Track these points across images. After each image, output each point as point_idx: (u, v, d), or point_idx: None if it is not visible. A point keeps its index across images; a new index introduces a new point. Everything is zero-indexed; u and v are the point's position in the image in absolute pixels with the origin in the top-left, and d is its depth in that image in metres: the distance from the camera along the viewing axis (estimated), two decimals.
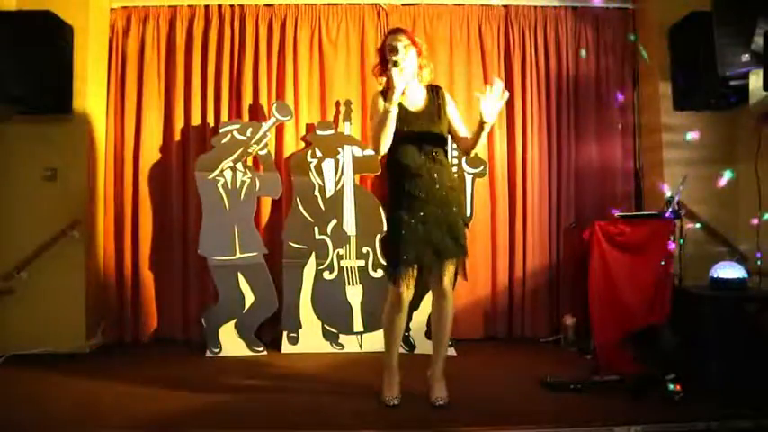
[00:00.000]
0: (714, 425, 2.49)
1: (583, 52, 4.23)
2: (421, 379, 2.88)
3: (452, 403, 2.75)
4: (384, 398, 2.77)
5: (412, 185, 2.67)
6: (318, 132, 3.98)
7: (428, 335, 3.64)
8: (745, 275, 3.21)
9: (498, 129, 4.20)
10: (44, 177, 3.85)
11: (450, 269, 2.72)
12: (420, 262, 2.64)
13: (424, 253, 2.63)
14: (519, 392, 2.97)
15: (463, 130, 2.84)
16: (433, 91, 2.83)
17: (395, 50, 2.68)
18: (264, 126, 3.94)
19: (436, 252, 2.65)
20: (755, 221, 3.51)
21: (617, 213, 3.72)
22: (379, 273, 3.83)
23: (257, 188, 3.95)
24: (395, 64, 2.60)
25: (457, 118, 2.85)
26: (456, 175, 2.91)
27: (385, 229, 2.91)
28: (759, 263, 3.41)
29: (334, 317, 3.86)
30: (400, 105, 2.66)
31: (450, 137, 2.87)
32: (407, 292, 2.69)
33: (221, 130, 3.93)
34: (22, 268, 3.74)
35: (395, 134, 2.65)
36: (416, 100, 2.79)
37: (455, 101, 3.99)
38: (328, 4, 4.23)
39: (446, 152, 2.85)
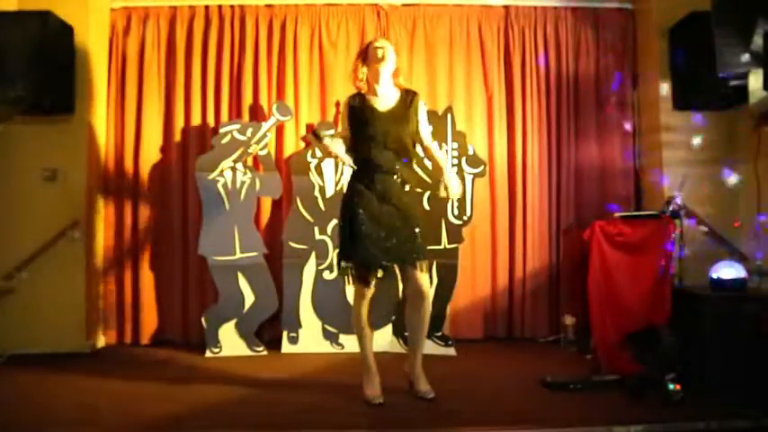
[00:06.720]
0: (714, 425, 2.49)
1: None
2: None
3: (452, 403, 2.76)
4: (367, 398, 2.78)
5: (370, 185, 2.75)
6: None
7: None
8: (745, 275, 3.21)
9: (498, 128, 4.21)
10: (44, 177, 3.86)
11: (417, 271, 2.77)
12: (376, 264, 2.76)
13: (379, 255, 2.73)
14: (519, 392, 2.97)
15: (429, 142, 2.92)
16: (408, 95, 2.86)
17: (382, 52, 2.75)
18: (264, 126, 3.94)
19: (390, 254, 2.74)
20: (756, 221, 3.51)
21: (617, 213, 3.71)
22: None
23: (257, 188, 3.95)
24: (318, 138, 2.75)
25: (425, 128, 2.90)
26: (411, 182, 2.96)
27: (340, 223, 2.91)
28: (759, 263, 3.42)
29: (334, 317, 3.85)
30: (370, 106, 2.79)
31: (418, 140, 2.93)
32: (370, 290, 2.85)
33: (221, 130, 3.94)
34: (22, 268, 3.74)
35: (360, 133, 2.77)
36: (388, 101, 2.83)
37: (453, 102, 4.06)
38: (328, 5, 4.24)
39: (409, 156, 2.87)
